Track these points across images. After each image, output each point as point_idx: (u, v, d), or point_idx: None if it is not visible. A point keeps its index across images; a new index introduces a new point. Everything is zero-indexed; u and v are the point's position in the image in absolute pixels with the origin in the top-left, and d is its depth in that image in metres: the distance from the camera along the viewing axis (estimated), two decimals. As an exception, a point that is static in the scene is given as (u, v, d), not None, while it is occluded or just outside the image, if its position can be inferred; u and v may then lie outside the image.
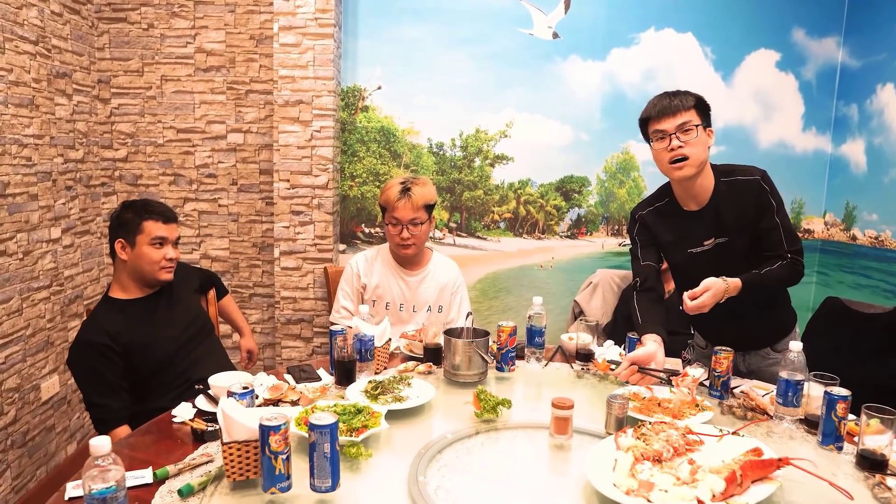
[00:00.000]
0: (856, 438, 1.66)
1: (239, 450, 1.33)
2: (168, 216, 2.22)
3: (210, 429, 1.58)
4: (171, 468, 1.40)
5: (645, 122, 2.04)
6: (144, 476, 1.38)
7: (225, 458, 1.33)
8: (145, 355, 2.11)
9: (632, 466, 1.40)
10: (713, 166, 2.08)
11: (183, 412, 1.72)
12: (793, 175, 3.56)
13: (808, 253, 3.73)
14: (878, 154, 3.20)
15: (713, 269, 2.01)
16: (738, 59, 3.46)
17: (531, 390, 2.09)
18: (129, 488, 1.33)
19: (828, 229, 3.62)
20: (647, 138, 2.06)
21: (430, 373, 2.12)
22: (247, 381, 1.60)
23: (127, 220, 2.17)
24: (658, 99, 2.02)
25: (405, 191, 2.52)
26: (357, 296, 2.66)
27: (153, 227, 2.16)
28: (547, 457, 1.59)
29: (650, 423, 1.57)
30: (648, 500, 1.30)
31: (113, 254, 2.18)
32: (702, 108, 2.00)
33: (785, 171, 3.53)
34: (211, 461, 1.47)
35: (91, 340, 2.05)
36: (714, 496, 1.29)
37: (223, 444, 1.33)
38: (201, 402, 1.79)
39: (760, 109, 3.49)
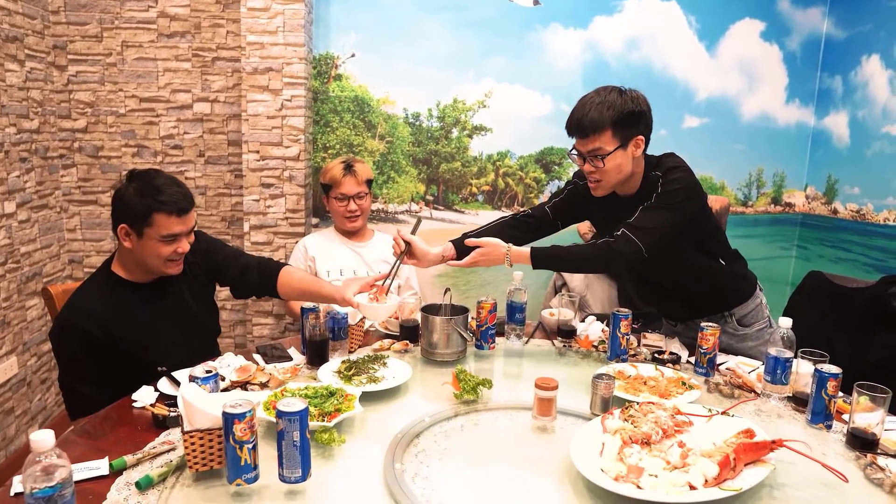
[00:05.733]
0: (844, 416, 1.63)
1: (201, 439, 1.24)
2: (184, 206, 1.85)
3: (172, 414, 1.48)
4: (129, 458, 1.30)
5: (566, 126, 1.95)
6: (100, 467, 1.28)
7: (186, 448, 1.23)
8: (136, 356, 1.85)
9: (620, 450, 1.34)
10: (647, 157, 1.99)
11: (144, 396, 1.61)
12: (775, 148, 3.51)
13: (787, 226, 3.77)
14: (862, 127, 3.16)
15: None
16: (723, 28, 3.38)
17: (512, 368, 2.02)
18: (83, 481, 1.24)
19: (809, 203, 3.58)
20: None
21: (406, 351, 2.04)
22: (210, 365, 1.50)
23: (134, 208, 1.81)
24: (579, 106, 1.89)
25: (349, 167, 2.77)
26: (307, 272, 2.67)
27: (165, 223, 1.82)
28: (530, 440, 1.52)
29: (638, 403, 1.51)
30: (638, 486, 1.24)
31: (116, 234, 1.87)
32: (624, 124, 1.85)
33: (767, 144, 3.48)
34: (173, 449, 1.38)
35: (75, 324, 1.81)
36: (707, 481, 1.23)
37: (184, 433, 1.23)
38: (164, 385, 1.69)
39: (744, 80, 3.43)
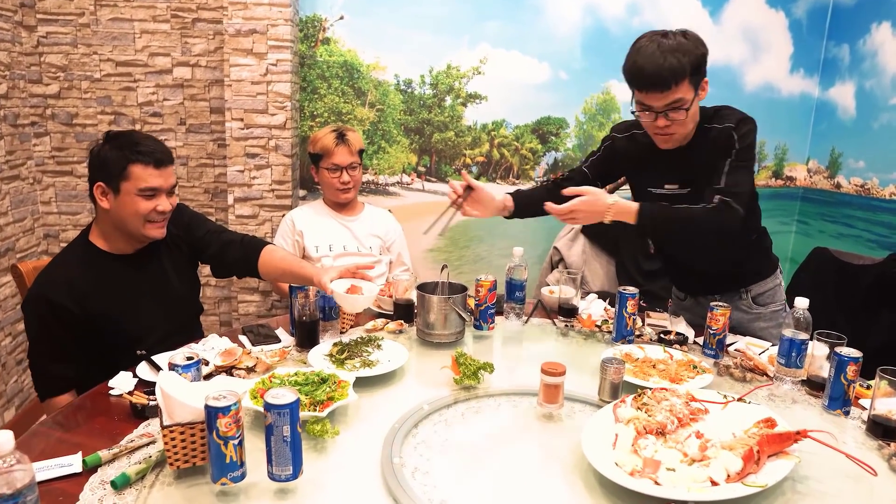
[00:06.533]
0: (860, 401, 1.56)
1: (182, 434, 1.13)
2: (161, 158, 1.77)
3: (152, 403, 1.38)
4: (103, 453, 1.20)
5: (627, 78, 1.78)
6: (72, 464, 1.17)
7: (166, 443, 1.13)
8: (112, 332, 1.77)
9: (634, 441, 1.25)
10: (701, 109, 1.87)
11: (121, 383, 1.50)
12: (777, 120, 3.41)
13: (788, 201, 3.68)
14: (869, 98, 3.06)
15: None
16: (727, -7, 3.25)
17: (511, 349, 1.94)
18: (53, 480, 1.13)
19: (811, 177, 3.50)
20: (630, 87, 1.81)
21: (400, 331, 1.94)
22: (191, 351, 1.39)
23: (109, 161, 1.73)
24: (648, 58, 1.68)
25: (341, 136, 2.60)
26: (295, 248, 2.62)
27: (142, 174, 1.74)
28: (536, 429, 1.43)
29: (651, 390, 1.42)
30: (656, 482, 1.15)
31: (92, 197, 1.79)
32: (698, 69, 1.72)
33: (769, 116, 3.37)
34: (152, 442, 1.27)
35: (48, 296, 1.71)
36: (729, 476, 1.15)
37: (163, 427, 1.12)
38: (143, 371, 1.57)
39: (748, 49, 3.31)
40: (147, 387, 1.48)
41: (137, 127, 3.14)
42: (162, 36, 3.09)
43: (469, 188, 1.92)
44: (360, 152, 2.68)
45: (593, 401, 1.52)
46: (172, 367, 1.29)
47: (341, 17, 3.17)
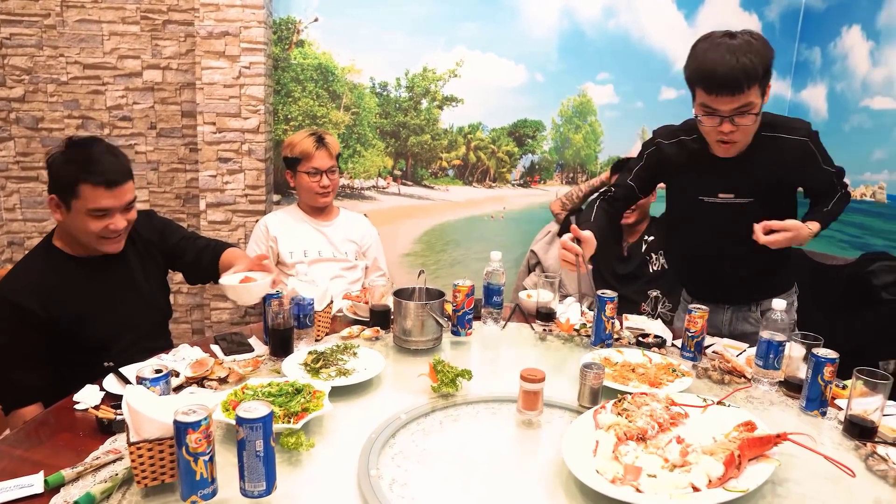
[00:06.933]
0: (837, 402, 1.56)
1: (150, 450, 1.09)
2: (115, 179, 1.69)
3: (119, 418, 1.33)
4: (67, 472, 1.15)
5: (693, 80, 1.70)
6: (33, 484, 1.12)
7: (133, 461, 1.09)
8: (77, 338, 1.73)
9: (615, 448, 1.24)
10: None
11: (87, 397, 1.45)
12: (751, 121, 3.44)
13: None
14: (840, 100, 3.10)
15: (719, 227, 1.86)
16: (702, -4, 3.27)
17: (489, 354, 1.92)
18: (12, 502, 1.08)
19: (783, 178, 3.53)
20: (692, 90, 1.73)
21: (377, 338, 1.91)
22: (161, 363, 1.34)
23: (60, 176, 1.67)
24: (719, 58, 1.59)
25: (321, 140, 2.56)
26: (269, 254, 2.56)
27: (92, 195, 1.66)
28: (516, 437, 1.41)
29: (630, 395, 1.41)
30: (637, 489, 1.14)
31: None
32: (767, 74, 1.65)
33: (743, 117, 3.39)
34: (119, 459, 1.23)
35: (11, 300, 1.66)
36: (711, 482, 1.14)
37: (129, 444, 1.08)
38: (111, 384, 1.52)
39: (722, 51, 3.32)
40: (114, 401, 1.43)
41: (106, 132, 3.06)
42: (131, 38, 3.02)
43: (578, 240, 1.78)
44: (338, 156, 2.64)
45: (573, 407, 1.50)
46: (140, 380, 1.25)
47: (316, 19, 3.12)
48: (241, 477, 1.08)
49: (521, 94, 3.29)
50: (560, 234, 3.01)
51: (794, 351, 1.63)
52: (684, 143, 1.91)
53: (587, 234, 1.77)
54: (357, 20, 3.13)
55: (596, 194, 2.20)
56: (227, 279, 1.77)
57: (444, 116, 3.30)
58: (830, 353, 1.50)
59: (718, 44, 1.62)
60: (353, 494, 1.16)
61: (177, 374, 1.54)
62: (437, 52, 3.20)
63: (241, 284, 1.76)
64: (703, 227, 1.94)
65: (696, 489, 1.13)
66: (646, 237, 2.70)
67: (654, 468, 1.18)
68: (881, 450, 1.36)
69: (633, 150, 3.35)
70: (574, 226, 1.79)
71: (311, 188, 2.56)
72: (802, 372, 1.57)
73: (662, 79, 3.33)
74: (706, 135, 1.78)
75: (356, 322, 2.04)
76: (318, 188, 2.56)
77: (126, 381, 1.50)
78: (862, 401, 1.42)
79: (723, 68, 1.59)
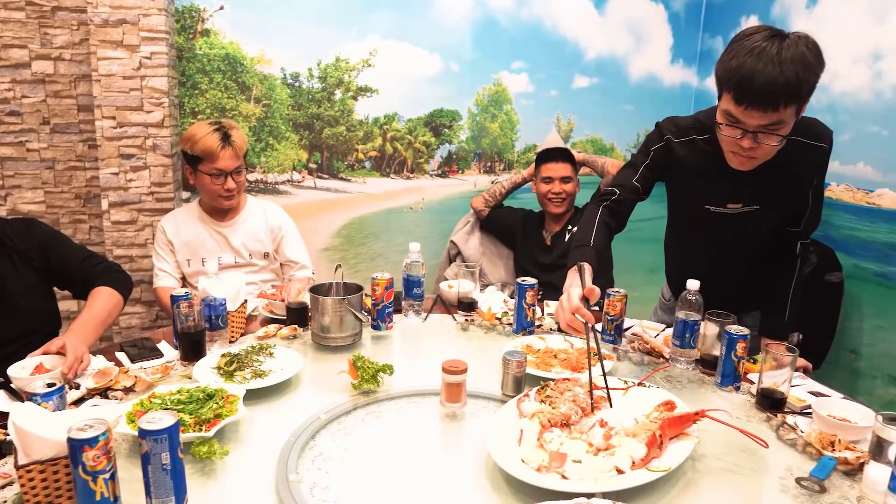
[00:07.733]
0: (749, 376, 1.61)
1: (42, 472, 0.99)
2: None
3: (8, 438, 1.20)
4: (-58, 502, 1.03)
5: (723, 81, 1.46)
6: None
7: (23, 485, 0.98)
8: None
9: (539, 436, 1.22)
10: None
11: (-32, 417, 1.31)
12: (661, 109, 3.52)
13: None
14: (741, 87, 3.22)
15: (723, 237, 1.77)
16: (610, -14, 3.33)
17: (411, 347, 1.88)
18: None
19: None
20: (718, 90, 1.50)
21: (294, 337, 1.84)
22: (53, 376, 1.22)
23: None
24: (760, 66, 1.35)
25: (226, 137, 2.24)
26: (175, 264, 2.38)
27: None
28: (440, 430, 1.38)
29: (553, 381, 1.40)
30: (563, 476, 1.12)
31: None
32: (809, 94, 1.41)
33: (653, 105, 3.49)
34: (10, 484, 1.11)
35: None
36: (634, 463, 1.14)
37: (17, 467, 0.97)
38: (1, 400, 1.38)
39: (632, 40, 3.40)
40: (5, 419, 1.30)
41: (-10, 127, 2.82)
42: (16, 25, 2.78)
43: (586, 299, 1.51)
44: (246, 152, 2.38)
45: (497, 396, 1.49)
46: (30, 396, 1.13)
47: (221, 8, 2.97)
48: (147, 493, 0.99)
49: (436, 83, 3.25)
50: (480, 224, 3.00)
51: (709, 329, 1.67)
52: (696, 144, 1.69)
53: (591, 288, 1.51)
54: (265, 9, 3.00)
55: (594, 197, 2.04)
56: (14, 370, 1.45)
57: (359, 107, 3.22)
58: (742, 330, 1.55)
59: (763, 47, 1.36)
60: (272, 502, 1.09)
61: (77, 387, 1.42)
62: (350, 42, 3.12)
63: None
64: (704, 236, 1.84)
65: (620, 472, 1.13)
66: (569, 227, 2.71)
67: (579, 453, 1.18)
68: (790, 419, 1.42)
69: (549, 138, 3.39)
70: (578, 304, 1.48)
71: (214, 191, 2.28)
72: (717, 350, 1.61)
73: (575, 66, 3.37)
74: (722, 142, 1.57)
75: (273, 321, 1.95)
76: (221, 191, 2.28)
77: (18, 396, 1.36)
78: (772, 374, 1.46)
79: (761, 79, 1.35)
